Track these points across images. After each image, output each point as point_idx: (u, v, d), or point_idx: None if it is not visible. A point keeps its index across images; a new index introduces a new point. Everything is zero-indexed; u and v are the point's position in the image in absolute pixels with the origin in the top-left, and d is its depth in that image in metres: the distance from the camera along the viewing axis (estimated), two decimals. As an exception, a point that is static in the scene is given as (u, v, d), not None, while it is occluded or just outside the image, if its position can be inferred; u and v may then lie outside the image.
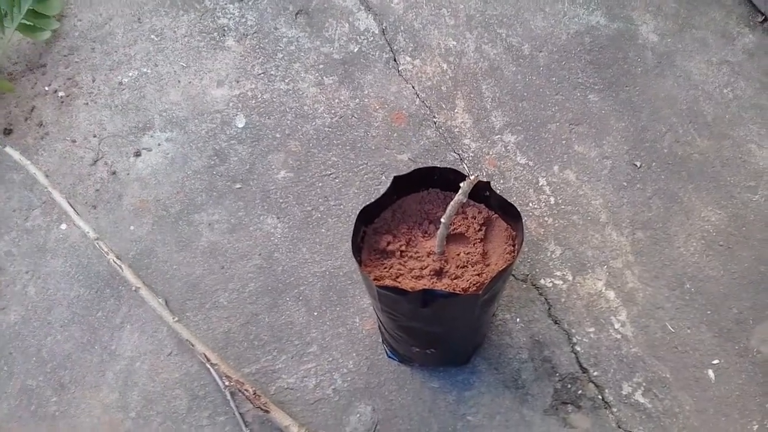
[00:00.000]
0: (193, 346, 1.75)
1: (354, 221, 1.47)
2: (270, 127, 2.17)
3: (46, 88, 2.27)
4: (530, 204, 2.01)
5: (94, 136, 2.17)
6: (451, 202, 1.39)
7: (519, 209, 1.47)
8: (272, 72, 2.27)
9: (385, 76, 2.25)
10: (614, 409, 1.73)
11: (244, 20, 2.37)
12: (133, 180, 2.10)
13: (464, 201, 1.39)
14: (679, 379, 1.76)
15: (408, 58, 2.29)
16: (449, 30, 2.34)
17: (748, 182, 2.02)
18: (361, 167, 2.09)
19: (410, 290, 1.42)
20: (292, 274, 1.94)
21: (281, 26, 2.36)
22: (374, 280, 1.47)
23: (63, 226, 2.03)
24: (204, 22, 2.38)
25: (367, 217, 1.54)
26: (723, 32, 2.30)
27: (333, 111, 2.19)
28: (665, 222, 1.97)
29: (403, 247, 1.54)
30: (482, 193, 1.56)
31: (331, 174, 2.08)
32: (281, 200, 2.04)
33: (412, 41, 2.32)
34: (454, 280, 1.49)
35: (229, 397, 1.75)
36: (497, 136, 2.13)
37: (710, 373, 1.77)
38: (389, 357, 1.80)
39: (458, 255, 1.53)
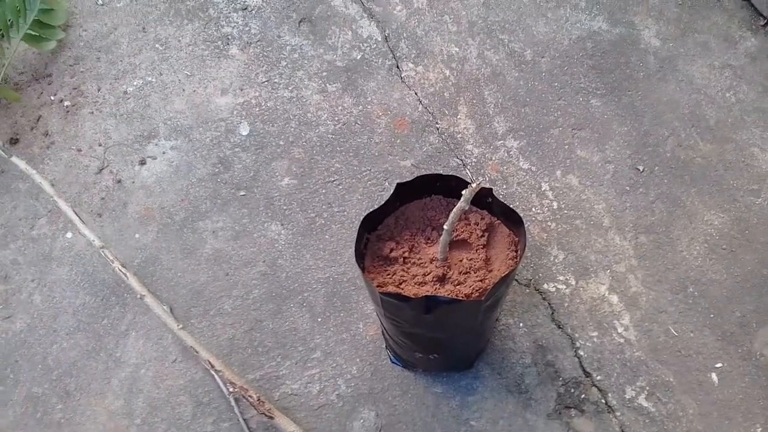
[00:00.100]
0: (197, 352, 1.76)
1: (357, 228, 1.48)
2: (274, 134, 2.18)
3: (52, 98, 2.29)
4: (533, 209, 2.01)
5: (100, 145, 2.19)
6: (454, 209, 1.40)
7: (522, 214, 1.48)
8: (276, 80, 2.28)
9: (388, 83, 2.26)
10: (618, 413, 1.73)
11: (247, 29, 2.39)
12: (138, 188, 2.11)
13: (466, 208, 1.39)
14: (683, 383, 1.76)
15: (411, 65, 2.29)
16: (452, 36, 2.35)
17: (751, 186, 2.02)
18: (364, 174, 2.09)
19: (413, 297, 1.42)
20: (296, 280, 1.94)
21: (285, 34, 2.37)
22: (377, 286, 1.47)
23: (68, 235, 2.04)
24: (208, 30, 2.40)
25: (370, 223, 1.55)
26: (725, 36, 2.30)
27: (336, 118, 2.20)
28: (668, 226, 1.97)
29: (406, 254, 1.54)
30: (485, 199, 1.57)
31: (334, 181, 2.09)
32: (285, 207, 2.05)
33: (414, 48, 2.33)
34: (457, 287, 1.50)
35: (233, 403, 1.76)
36: (500, 142, 2.13)
37: (713, 376, 1.77)
38: (393, 362, 1.81)
39: (461, 261, 1.54)
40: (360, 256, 1.51)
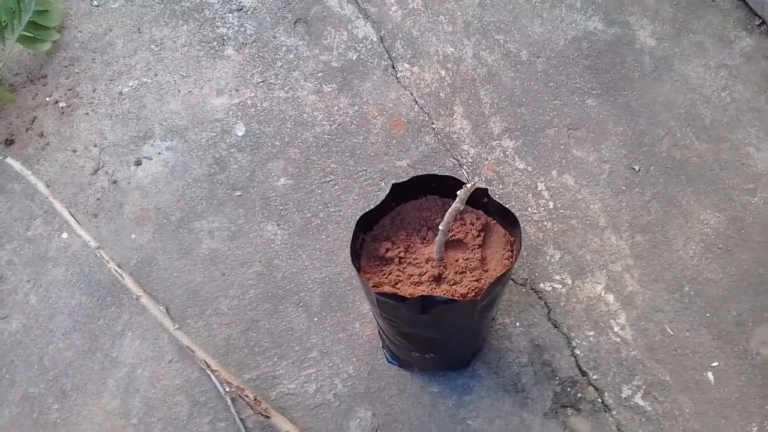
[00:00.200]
0: (193, 352, 1.76)
1: (353, 228, 1.48)
2: (269, 135, 2.18)
3: (47, 99, 2.29)
4: (529, 209, 2.01)
5: (95, 146, 2.18)
6: (449, 209, 1.40)
7: (518, 214, 1.48)
8: (271, 80, 2.28)
9: (383, 84, 2.26)
10: (614, 412, 1.73)
11: (243, 29, 2.39)
12: (133, 189, 2.11)
13: (462, 208, 1.40)
14: (679, 382, 1.76)
15: (406, 65, 2.30)
16: (447, 37, 2.35)
17: (746, 185, 2.02)
18: (360, 174, 2.09)
19: (409, 297, 1.43)
20: (292, 280, 1.94)
21: (280, 35, 2.37)
22: (373, 286, 1.47)
23: (64, 235, 2.04)
24: (203, 31, 2.40)
25: (366, 224, 1.55)
26: (720, 36, 2.31)
27: (332, 118, 2.20)
28: (664, 225, 1.98)
29: (402, 254, 1.54)
30: (480, 199, 1.57)
31: (330, 181, 2.09)
32: (281, 207, 2.05)
33: (410, 48, 2.33)
34: (453, 286, 1.50)
35: (229, 403, 1.75)
36: (496, 142, 2.13)
37: (710, 375, 1.77)
38: (389, 362, 1.81)
39: (457, 261, 1.54)
40: (356, 256, 1.51)
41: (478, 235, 1.56)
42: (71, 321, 1.92)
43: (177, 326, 1.81)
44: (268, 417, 1.67)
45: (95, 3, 2.48)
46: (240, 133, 2.18)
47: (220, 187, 2.09)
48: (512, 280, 1.91)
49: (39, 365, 1.86)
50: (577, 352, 1.81)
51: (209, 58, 2.34)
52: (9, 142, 2.20)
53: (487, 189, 1.54)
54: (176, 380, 1.83)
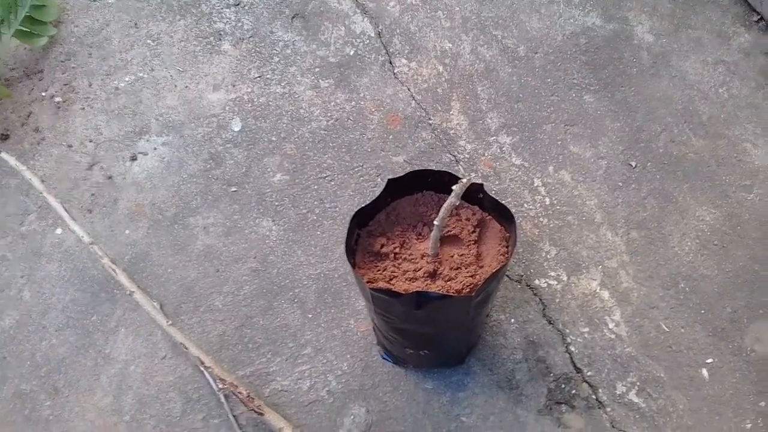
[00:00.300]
0: (187, 349, 1.75)
1: (349, 224, 1.48)
2: (266, 130, 2.17)
3: (43, 94, 2.28)
4: (525, 205, 2.01)
5: (90, 141, 2.18)
6: (444, 205, 1.40)
7: (514, 210, 1.47)
8: (268, 76, 2.27)
9: (381, 79, 2.26)
10: (608, 409, 1.73)
11: (240, 24, 2.38)
12: (128, 184, 2.10)
13: (457, 203, 1.39)
14: (673, 379, 1.76)
15: (404, 61, 2.29)
16: (445, 32, 2.34)
17: (743, 181, 2.02)
18: (356, 169, 2.09)
19: (404, 292, 1.42)
20: (287, 276, 1.94)
21: (277, 30, 2.37)
22: (368, 282, 1.47)
23: (58, 231, 2.03)
24: (200, 26, 2.39)
25: (361, 219, 1.55)
26: (718, 32, 2.30)
27: (329, 114, 2.19)
28: (660, 222, 1.97)
29: (397, 250, 1.54)
30: (476, 194, 1.56)
31: (326, 176, 2.08)
32: (277, 203, 2.04)
33: (407, 44, 2.32)
34: (448, 282, 1.49)
35: (223, 399, 1.75)
36: (492, 138, 2.13)
37: (704, 372, 1.76)
38: (383, 359, 1.80)
39: (452, 257, 1.53)
40: (351, 251, 1.50)
41: (474, 231, 1.56)
42: (64, 317, 1.91)
43: (171, 322, 1.81)
44: (261, 414, 1.67)
45: (92, -2, 2.48)
46: (236, 129, 2.18)
47: (215, 183, 2.09)
48: (507, 276, 1.90)
49: (31, 361, 1.86)
50: (572, 348, 1.80)
51: (206, 53, 2.33)
52: (4, 137, 2.20)
53: (482, 184, 1.54)
54: (169, 377, 1.82)
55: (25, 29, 2.28)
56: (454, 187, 1.36)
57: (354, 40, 2.34)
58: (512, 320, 1.84)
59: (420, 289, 1.47)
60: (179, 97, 2.25)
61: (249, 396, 1.68)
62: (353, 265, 1.48)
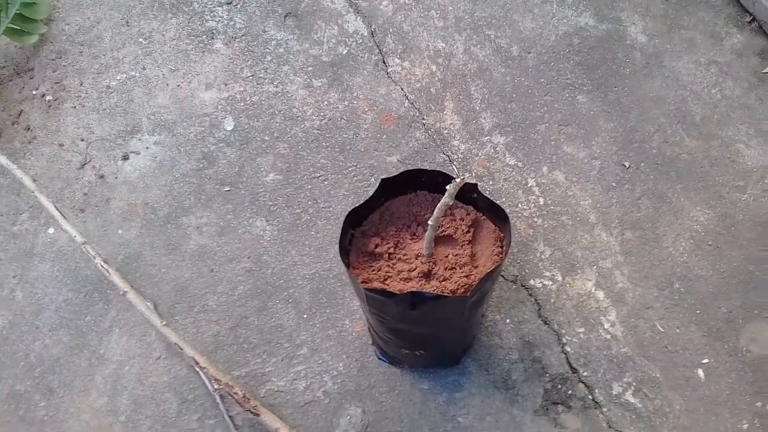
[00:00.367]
0: (181, 349, 1.74)
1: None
2: (259, 129, 2.16)
3: (34, 92, 2.26)
4: (519, 205, 2.01)
5: (82, 140, 2.17)
6: (438, 205, 1.39)
7: (508, 210, 1.47)
8: (261, 75, 2.27)
9: (374, 78, 2.25)
10: (604, 409, 1.73)
11: (232, 23, 2.37)
12: (121, 183, 2.09)
13: (451, 203, 1.39)
14: (669, 379, 1.76)
15: (397, 60, 2.28)
16: (438, 32, 2.34)
17: (736, 182, 2.02)
18: (350, 169, 2.08)
19: (398, 293, 1.42)
20: (282, 276, 1.93)
21: (270, 29, 2.36)
22: (362, 282, 1.47)
23: (50, 231, 2.02)
24: (192, 25, 2.38)
25: (355, 219, 1.54)
26: (711, 32, 2.31)
27: (322, 113, 2.19)
28: (654, 222, 1.97)
29: (392, 250, 1.54)
30: (470, 194, 1.56)
31: (320, 176, 2.07)
32: (270, 203, 2.04)
33: (401, 43, 2.32)
34: (443, 282, 1.49)
35: (218, 400, 1.74)
36: (486, 138, 2.13)
37: (700, 372, 1.77)
38: (379, 359, 1.80)
39: (446, 257, 1.53)
40: (345, 252, 1.50)
41: (468, 231, 1.55)
42: (58, 317, 1.90)
43: (165, 323, 1.80)
44: (257, 414, 1.66)
45: (83, -4, 2.46)
46: (229, 128, 2.17)
47: (208, 182, 2.08)
48: (502, 276, 1.90)
49: (25, 362, 1.85)
50: (568, 348, 1.80)
51: (198, 52, 2.32)
52: (-5, 136, 2.19)
53: (476, 184, 1.54)
54: (164, 377, 1.81)
55: (15, 27, 2.27)
56: (448, 187, 1.36)
57: (347, 39, 2.33)
58: (507, 320, 1.84)
59: (415, 290, 1.46)
60: (171, 96, 2.24)
61: (245, 397, 1.67)
62: (347, 266, 1.47)
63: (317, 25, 2.36)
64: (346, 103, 2.20)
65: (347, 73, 2.26)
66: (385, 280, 1.50)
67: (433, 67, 2.26)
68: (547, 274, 1.91)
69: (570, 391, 1.75)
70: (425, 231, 1.48)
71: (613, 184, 2.03)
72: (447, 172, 1.52)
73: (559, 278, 1.90)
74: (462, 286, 1.48)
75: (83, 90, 2.26)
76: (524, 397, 1.75)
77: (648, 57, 2.26)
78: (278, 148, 2.12)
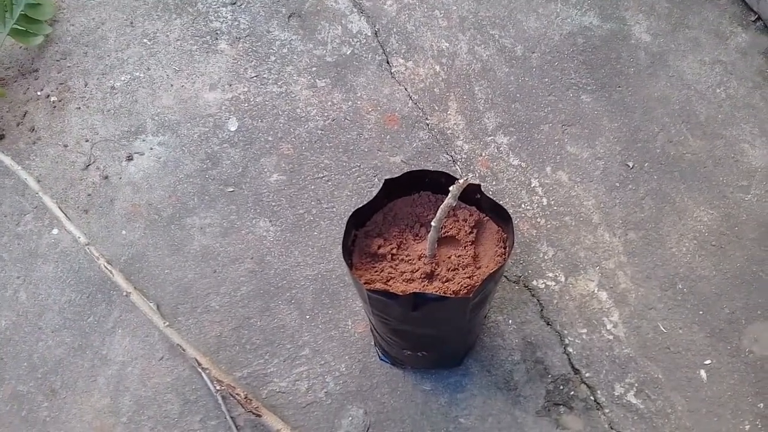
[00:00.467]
0: (184, 350, 1.75)
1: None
2: (262, 130, 2.16)
3: (39, 93, 2.27)
4: (523, 205, 2.00)
5: (87, 141, 2.17)
6: (441, 206, 1.39)
7: (511, 210, 1.47)
8: (265, 75, 2.27)
9: (377, 79, 2.25)
10: (606, 410, 1.73)
11: (236, 23, 2.37)
12: (125, 184, 2.09)
13: (454, 204, 1.39)
14: (672, 380, 1.76)
15: (401, 60, 2.28)
16: (442, 32, 2.33)
17: (740, 182, 2.02)
18: (353, 170, 2.08)
19: (401, 294, 1.42)
20: (285, 277, 1.93)
21: (274, 29, 2.36)
22: (365, 283, 1.47)
23: (54, 231, 2.03)
24: (196, 25, 2.38)
25: (358, 220, 1.54)
26: (716, 32, 2.30)
27: (326, 114, 2.19)
28: (657, 222, 1.97)
29: (394, 250, 1.53)
30: (473, 195, 1.56)
31: (323, 177, 2.08)
32: (274, 203, 2.04)
33: (404, 43, 2.31)
34: (445, 283, 1.49)
35: (220, 401, 1.75)
36: (490, 138, 2.12)
37: (702, 373, 1.76)
38: (381, 360, 1.80)
39: (449, 258, 1.53)
40: (347, 252, 1.50)
41: (471, 232, 1.55)
42: (61, 318, 1.91)
43: (167, 323, 1.80)
44: (259, 415, 1.66)
45: (87, -4, 2.47)
46: (233, 129, 2.17)
47: (212, 183, 2.08)
48: (505, 277, 1.90)
49: (28, 363, 1.85)
50: (570, 349, 1.80)
51: (202, 53, 2.33)
52: (0, 137, 2.19)
53: (480, 185, 1.53)
54: (167, 378, 1.82)
55: (20, 28, 2.28)
56: (451, 188, 1.36)
57: (351, 39, 2.33)
58: (510, 321, 1.84)
59: (417, 291, 1.46)
60: (175, 97, 2.24)
61: (247, 397, 1.67)
62: (350, 266, 1.47)
63: (321, 25, 2.36)
64: (349, 103, 2.20)
65: (351, 73, 2.26)
66: (388, 281, 1.49)
67: (437, 67, 2.26)
68: (550, 274, 1.90)
69: (572, 392, 1.75)
70: (428, 232, 1.48)
71: (617, 184, 2.03)
72: (450, 173, 1.52)
73: (562, 279, 1.90)
74: (465, 287, 1.47)
75: (88, 91, 2.27)
76: (526, 398, 1.75)
77: (652, 56, 2.25)
78: (282, 149, 2.13)
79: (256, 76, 2.27)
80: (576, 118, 2.14)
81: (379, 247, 1.53)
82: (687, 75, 2.21)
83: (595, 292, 1.87)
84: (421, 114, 2.17)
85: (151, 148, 2.15)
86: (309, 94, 2.23)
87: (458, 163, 2.08)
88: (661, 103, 2.16)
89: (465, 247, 1.54)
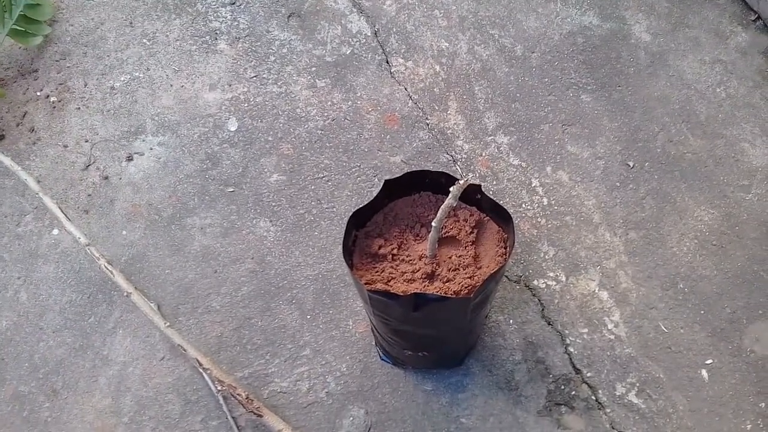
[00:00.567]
0: (185, 350, 1.74)
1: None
2: (262, 130, 2.16)
3: (38, 94, 2.27)
4: (523, 205, 2.00)
5: (86, 141, 2.17)
6: (442, 206, 1.39)
7: (512, 210, 1.47)
8: (264, 75, 2.27)
9: (377, 78, 2.25)
10: (608, 410, 1.73)
11: (236, 23, 2.37)
12: (125, 185, 2.09)
13: (454, 205, 1.39)
14: (673, 379, 1.76)
15: (401, 60, 2.28)
16: (442, 31, 2.33)
17: (741, 181, 2.02)
18: (353, 170, 2.08)
19: (402, 294, 1.42)
20: (285, 277, 1.93)
21: (273, 29, 2.36)
22: (366, 283, 1.46)
23: (55, 232, 2.02)
24: (196, 25, 2.38)
25: (359, 220, 1.54)
26: (716, 31, 2.30)
27: (325, 114, 2.19)
28: (658, 222, 1.97)
29: (395, 251, 1.53)
30: (474, 195, 1.56)
31: (323, 177, 2.07)
32: (274, 203, 2.04)
33: (404, 43, 2.31)
34: (446, 284, 1.49)
35: (221, 401, 1.75)
36: (490, 137, 2.12)
37: (704, 372, 1.77)
38: (382, 360, 1.80)
39: (450, 258, 1.53)
40: (348, 253, 1.50)
41: (472, 232, 1.55)
42: (62, 318, 1.91)
43: (168, 324, 1.80)
44: (260, 415, 1.66)
45: (87, -3, 2.46)
46: (233, 129, 2.17)
47: (212, 183, 2.08)
48: (506, 277, 1.90)
49: (29, 363, 1.85)
50: (571, 349, 1.80)
51: (202, 53, 2.32)
52: (-1, 138, 2.19)
53: (480, 185, 1.53)
54: (168, 378, 1.82)
55: (19, 28, 2.27)
56: (451, 189, 1.36)
57: (350, 39, 2.33)
58: (511, 321, 1.84)
59: (418, 291, 1.46)
60: (175, 97, 2.24)
61: (248, 398, 1.67)
62: (351, 267, 1.47)
63: (321, 25, 2.36)
64: (349, 103, 2.20)
65: (351, 73, 2.26)
66: (389, 281, 1.49)
67: (437, 67, 2.26)
68: (551, 274, 1.90)
69: (573, 392, 1.75)
70: (429, 232, 1.48)
71: (617, 183, 2.03)
72: (451, 173, 1.52)
73: (563, 278, 1.90)
74: (465, 287, 1.47)
75: (87, 91, 2.27)
76: (527, 398, 1.75)
77: (652, 56, 2.25)
78: (282, 149, 2.13)
79: (255, 76, 2.26)
80: (576, 118, 2.14)
81: (379, 248, 1.53)
82: (687, 74, 2.21)
83: (596, 291, 1.87)
84: (421, 114, 2.17)
85: (151, 149, 2.15)
86: (309, 94, 2.22)
87: (458, 163, 2.08)
88: (661, 102, 2.16)
89: (466, 247, 1.54)
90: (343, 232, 1.46)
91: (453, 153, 2.09)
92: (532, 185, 2.03)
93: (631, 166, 2.06)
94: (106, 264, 1.85)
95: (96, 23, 2.40)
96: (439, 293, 1.45)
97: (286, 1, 2.41)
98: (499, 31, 2.32)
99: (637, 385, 1.76)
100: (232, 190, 2.06)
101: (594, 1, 2.37)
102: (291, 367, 1.81)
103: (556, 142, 2.10)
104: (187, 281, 1.94)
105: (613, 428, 1.71)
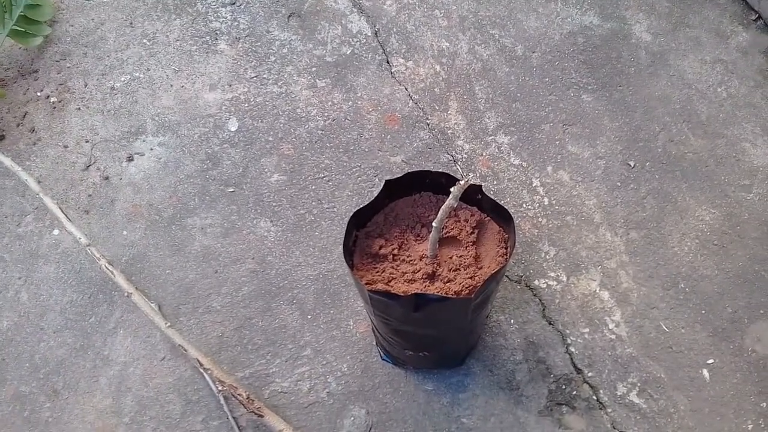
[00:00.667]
0: (186, 351, 1.74)
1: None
2: (263, 130, 2.16)
3: (38, 94, 2.27)
4: (524, 205, 2.00)
5: (87, 142, 2.17)
6: (443, 207, 1.39)
7: (512, 210, 1.46)
8: (265, 75, 2.27)
9: (378, 78, 2.25)
10: (609, 410, 1.73)
11: (236, 24, 2.37)
12: (125, 185, 2.09)
13: (455, 205, 1.38)
14: (674, 379, 1.76)
15: (401, 60, 2.28)
16: (442, 31, 2.33)
17: (742, 181, 2.02)
18: (354, 170, 2.08)
19: (402, 294, 1.41)
20: (286, 277, 1.93)
21: (274, 29, 2.36)
22: (366, 284, 1.46)
23: (55, 232, 2.02)
24: (196, 26, 2.38)
25: (359, 220, 1.54)
26: (717, 31, 2.30)
27: (326, 114, 2.18)
28: (659, 222, 1.97)
29: (396, 251, 1.53)
30: (475, 195, 1.56)
31: (324, 177, 2.07)
32: (274, 203, 2.04)
33: (404, 43, 2.31)
34: (447, 284, 1.49)
35: (222, 401, 1.74)
36: (491, 137, 2.12)
37: (705, 372, 1.76)
38: (383, 360, 1.80)
39: (451, 258, 1.53)
40: (349, 253, 1.50)
41: (472, 232, 1.55)
42: (63, 319, 1.90)
43: (169, 324, 1.79)
44: (261, 415, 1.66)
45: (87, -3, 2.46)
46: (233, 129, 2.17)
47: (212, 183, 2.08)
48: (507, 277, 1.90)
49: (30, 363, 1.85)
50: (572, 349, 1.80)
51: (202, 53, 2.32)
52: (0, 138, 2.18)
53: (481, 186, 1.53)
54: (169, 378, 1.81)
55: (19, 29, 2.27)
56: (452, 189, 1.36)
57: (351, 39, 2.33)
58: (512, 321, 1.84)
59: (419, 291, 1.46)
60: (175, 97, 2.24)
61: (249, 398, 1.67)
62: (351, 267, 1.47)
63: (321, 25, 2.36)
64: (350, 103, 2.20)
65: (351, 73, 2.26)
66: (389, 281, 1.49)
67: (437, 67, 2.26)
68: (552, 274, 1.90)
69: (574, 392, 1.75)
70: (429, 232, 1.48)
71: (618, 183, 2.03)
72: (451, 173, 1.52)
73: (564, 278, 1.89)
74: (466, 287, 1.47)
75: (87, 91, 2.27)
76: (528, 397, 1.75)
77: (653, 56, 2.25)
78: (282, 149, 2.12)
79: (256, 77, 2.26)
80: (577, 118, 2.14)
81: (380, 248, 1.53)
82: (688, 74, 2.21)
83: (597, 291, 1.87)
84: (421, 114, 2.17)
85: (152, 149, 2.15)
86: (309, 94, 2.22)
87: (459, 163, 2.08)
88: (662, 102, 2.16)
89: (466, 247, 1.54)
90: (344, 232, 1.46)
91: (453, 153, 2.09)
92: (533, 185, 2.03)
93: (632, 165, 2.05)
94: (106, 264, 1.85)
95: (96, 24, 2.40)
96: (439, 293, 1.45)
97: (286, 1, 2.41)
98: (500, 31, 2.32)
99: (639, 385, 1.75)
100: (232, 190, 2.06)
101: (594, 0, 2.37)
102: (292, 367, 1.81)
103: (557, 142, 2.10)
104: (188, 281, 1.94)
105: (614, 428, 1.71)
